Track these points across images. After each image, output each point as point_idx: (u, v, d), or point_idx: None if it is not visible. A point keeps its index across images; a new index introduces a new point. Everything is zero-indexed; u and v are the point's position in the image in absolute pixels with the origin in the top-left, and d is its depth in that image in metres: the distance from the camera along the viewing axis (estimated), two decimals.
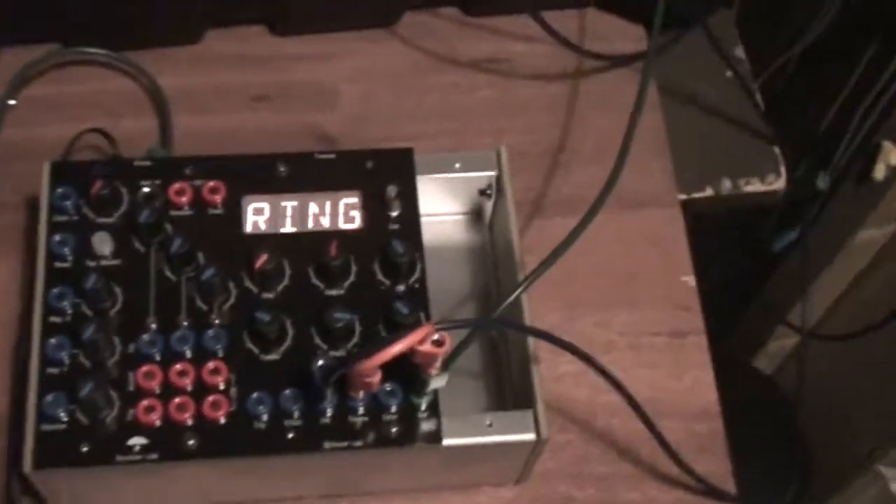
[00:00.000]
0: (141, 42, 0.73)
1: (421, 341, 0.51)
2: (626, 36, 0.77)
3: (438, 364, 0.53)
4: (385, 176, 0.62)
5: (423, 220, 0.65)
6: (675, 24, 0.73)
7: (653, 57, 0.69)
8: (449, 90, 0.74)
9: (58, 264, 0.59)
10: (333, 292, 0.59)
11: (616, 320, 0.68)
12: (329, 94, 0.73)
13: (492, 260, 0.68)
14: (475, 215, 0.69)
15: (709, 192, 0.74)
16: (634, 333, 0.68)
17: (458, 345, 0.55)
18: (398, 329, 0.58)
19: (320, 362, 0.54)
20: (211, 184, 0.61)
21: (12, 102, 0.71)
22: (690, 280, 0.70)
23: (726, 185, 0.74)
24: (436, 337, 0.52)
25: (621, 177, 0.71)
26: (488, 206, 0.67)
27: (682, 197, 0.73)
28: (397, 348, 0.49)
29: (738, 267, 1.13)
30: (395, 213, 0.62)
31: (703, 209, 0.75)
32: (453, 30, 0.76)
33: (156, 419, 0.56)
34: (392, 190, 0.61)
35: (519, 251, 0.62)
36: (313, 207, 0.61)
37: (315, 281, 0.60)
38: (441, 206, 0.67)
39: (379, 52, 0.75)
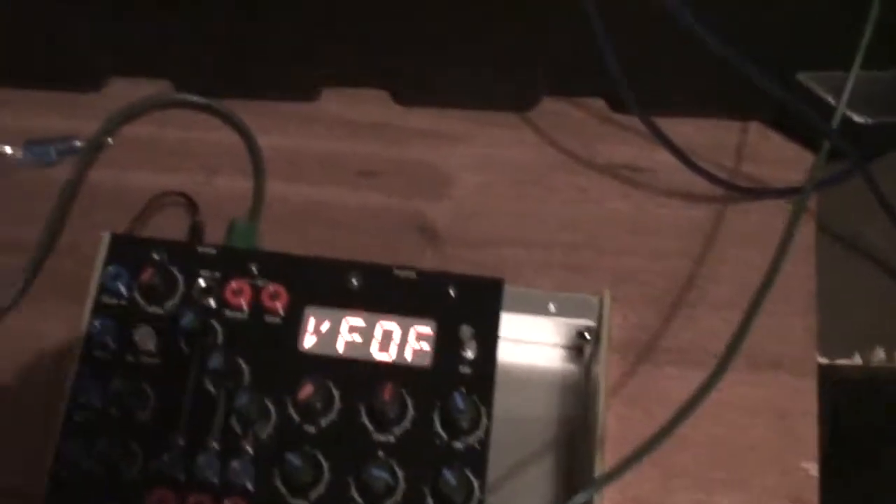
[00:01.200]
0: (252, 93, 0.67)
1: None
2: (792, 162, 0.66)
3: None
4: (467, 308, 0.55)
5: (516, 345, 0.58)
6: (856, 154, 0.62)
7: (808, 195, 0.59)
8: (577, 195, 0.66)
9: (96, 353, 0.54)
10: (383, 438, 0.53)
11: (717, 501, 0.59)
12: (443, 179, 0.66)
13: (584, 403, 0.59)
14: (575, 350, 0.60)
15: (856, 359, 0.63)
16: None
17: None
18: (444, 500, 0.51)
19: None
20: (272, 287, 0.55)
21: (109, 140, 0.66)
22: (812, 468, 0.60)
23: (879, 354, 0.64)
24: None
25: (754, 331, 0.62)
26: (587, 348, 0.59)
27: (823, 361, 0.63)
28: None
29: None
30: (469, 355, 0.54)
31: (845, 377, 0.64)
32: (594, 125, 0.68)
33: None
34: (467, 330, 0.53)
35: (602, 429, 0.54)
36: (380, 333, 0.55)
37: (365, 421, 0.53)
38: (537, 336, 0.60)
39: (506, 140, 0.67)
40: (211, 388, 0.53)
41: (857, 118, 0.62)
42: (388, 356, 0.54)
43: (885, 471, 0.78)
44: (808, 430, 0.61)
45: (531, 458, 0.58)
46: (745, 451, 0.60)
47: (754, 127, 0.68)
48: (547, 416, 0.59)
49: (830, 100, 0.60)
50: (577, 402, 0.59)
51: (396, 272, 0.56)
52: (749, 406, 0.61)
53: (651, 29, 0.58)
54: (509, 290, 0.56)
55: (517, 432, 0.58)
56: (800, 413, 0.61)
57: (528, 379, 0.60)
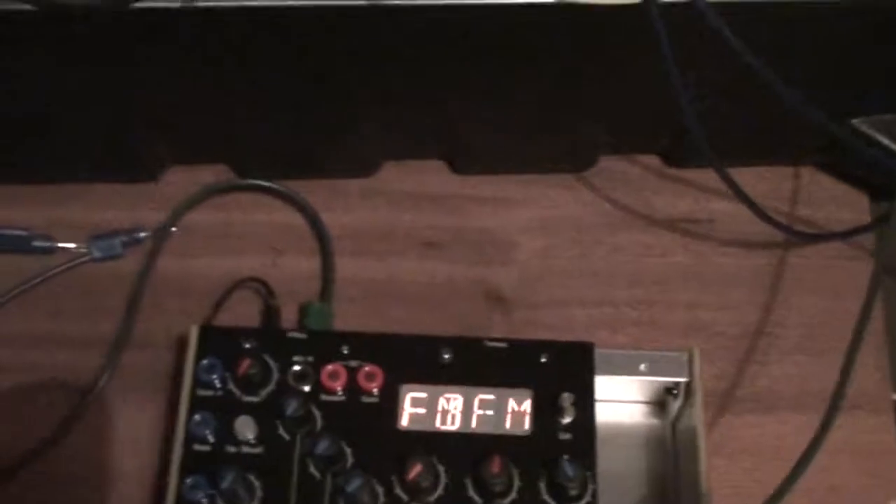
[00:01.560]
0: (311, 172, 0.68)
1: None
2: (845, 203, 0.68)
3: None
4: (560, 374, 0.56)
5: (600, 404, 0.59)
6: None
7: (886, 246, 0.60)
8: (639, 251, 0.67)
9: (196, 447, 0.54)
10: None
11: None
12: (505, 245, 0.67)
13: (673, 458, 0.60)
14: (657, 406, 0.61)
15: None
16: None
17: None
18: None
19: None
20: (367, 368, 0.56)
21: (173, 229, 0.67)
22: None
23: None
24: None
25: (829, 374, 0.63)
26: (673, 404, 0.59)
27: None
28: None
29: None
30: (567, 421, 0.55)
31: None
32: (650, 181, 0.69)
33: None
34: (568, 398, 0.54)
35: (706, 485, 0.54)
36: (477, 405, 0.55)
37: (472, 494, 0.53)
38: (621, 394, 0.60)
39: (565, 201, 0.68)
40: (316, 473, 0.54)
41: None
42: (487, 428, 0.55)
43: None
44: (892, 468, 0.62)
45: None
46: (832, 492, 0.61)
47: (806, 172, 0.69)
48: (634, 472, 0.60)
49: (887, 143, 0.62)
50: (663, 458, 0.60)
51: (487, 343, 0.56)
52: (831, 447, 0.61)
53: (709, 80, 0.59)
54: (599, 353, 0.56)
55: (606, 491, 0.58)
56: (881, 451, 0.62)
57: (612, 437, 0.60)
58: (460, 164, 0.68)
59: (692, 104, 0.55)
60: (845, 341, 0.63)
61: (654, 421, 0.61)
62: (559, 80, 0.61)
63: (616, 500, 0.58)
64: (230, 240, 0.67)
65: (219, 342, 0.56)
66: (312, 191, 0.68)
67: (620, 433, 0.61)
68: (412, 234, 0.67)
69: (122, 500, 0.60)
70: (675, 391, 0.58)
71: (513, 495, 0.53)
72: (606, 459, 0.59)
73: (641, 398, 0.61)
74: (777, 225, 0.62)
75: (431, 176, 0.69)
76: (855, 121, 0.63)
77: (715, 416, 0.62)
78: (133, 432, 0.61)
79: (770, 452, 0.62)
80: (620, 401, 0.61)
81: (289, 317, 0.64)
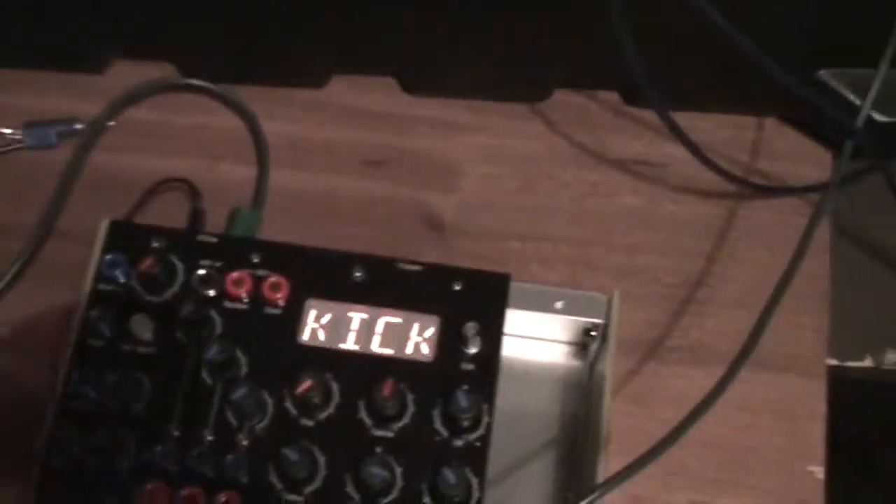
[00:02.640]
0: (258, 78, 0.66)
1: None
2: (808, 159, 0.65)
3: None
4: (472, 303, 0.54)
5: (520, 340, 0.57)
6: (880, 153, 0.60)
7: (831, 195, 0.57)
8: (586, 189, 0.65)
9: (91, 341, 0.53)
10: (381, 433, 0.52)
11: (719, 502, 0.58)
12: (450, 171, 0.65)
13: (588, 400, 0.58)
14: (580, 347, 0.59)
15: (867, 362, 0.62)
16: None
17: None
18: (442, 499, 0.50)
19: None
20: (274, 279, 0.54)
21: (111, 124, 0.65)
22: (819, 472, 0.59)
23: (890, 357, 0.62)
24: None
25: (766, 331, 0.61)
26: (592, 345, 0.57)
27: (832, 363, 0.62)
28: None
29: None
30: (472, 351, 0.53)
31: (855, 380, 0.63)
32: (607, 119, 0.66)
33: None
34: (472, 326, 0.52)
35: (606, 430, 0.53)
36: (382, 326, 0.53)
37: (363, 416, 0.52)
38: (541, 332, 0.58)
39: (516, 132, 0.66)
40: (208, 379, 0.52)
41: (880, 117, 0.60)
42: (389, 351, 0.53)
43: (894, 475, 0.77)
44: (816, 433, 0.60)
45: (532, 454, 0.57)
46: (749, 452, 0.59)
47: (770, 123, 0.66)
48: (549, 412, 0.58)
49: (853, 98, 0.59)
50: (580, 399, 0.58)
51: (400, 265, 0.54)
52: (754, 407, 0.60)
53: (672, 23, 0.57)
54: (516, 287, 0.54)
55: (518, 428, 0.57)
56: (807, 415, 0.60)
57: (530, 374, 0.59)
58: (412, 82, 0.66)
59: (645, 46, 0.52)
60: (789, 299, 0.61)
61: (575, 362, 0.59)
62: (516, 6, 0.59)
63: (526, 438, 0.57)
64: (167, 140, 0.66)
65: (127, 238, 0.55)
66: (257, 98, 0.66)
67: (540, 372, 0.59)
68: (354, 150, 0.65)
69: (29, 388, 0.59)
70: (593, 333, 0.56)
71: (405, 420, 0.52)
72: (520, 396, 0.57)
73: (563, 338, 0.59)
74: (723, 173, 0.60)
75: (381, 93, 0.67)
76: (822, 73, 0.60)
77: (640, 363, 0.61)
78: (44, 321, 0.60)
79: (692, 405, 0.59)
80: (543, 339, 0.59)
81: (218, 222, 0.63)
